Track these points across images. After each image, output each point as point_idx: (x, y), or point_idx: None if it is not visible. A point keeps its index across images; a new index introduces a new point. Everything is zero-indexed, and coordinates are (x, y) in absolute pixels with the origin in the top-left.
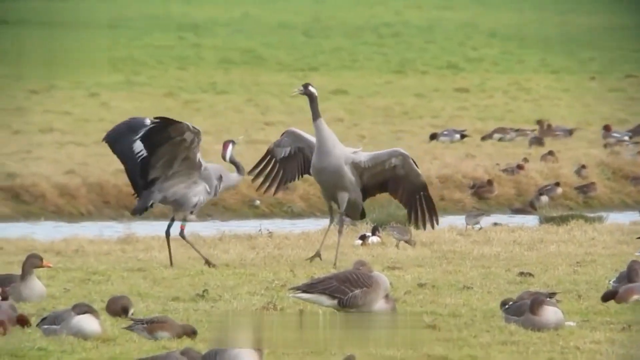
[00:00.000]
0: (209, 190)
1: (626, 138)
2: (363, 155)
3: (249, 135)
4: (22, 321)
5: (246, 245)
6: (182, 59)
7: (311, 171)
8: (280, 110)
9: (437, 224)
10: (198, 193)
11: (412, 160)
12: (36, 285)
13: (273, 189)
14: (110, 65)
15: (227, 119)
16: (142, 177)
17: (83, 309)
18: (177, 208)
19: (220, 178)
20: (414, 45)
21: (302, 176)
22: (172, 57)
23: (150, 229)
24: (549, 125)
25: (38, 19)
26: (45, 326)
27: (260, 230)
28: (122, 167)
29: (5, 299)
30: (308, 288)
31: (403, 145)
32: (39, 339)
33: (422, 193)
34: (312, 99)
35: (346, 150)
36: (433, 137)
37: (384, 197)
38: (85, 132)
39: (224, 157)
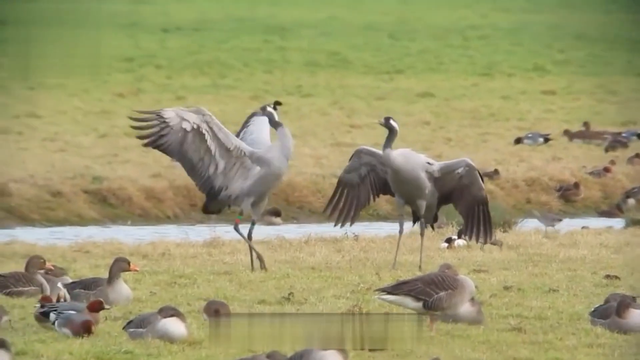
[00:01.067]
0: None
1: None
2: (435, 165)
3: (335, 138)
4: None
5: (332, 248)
6: (268, 62)
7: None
8: (366, 113)
9: (491, 239)
10: (247, 179)
11: (478, 172)
12: (123, 288)
13: (349, 222)
14: (197, 68)
15: (313, 122)
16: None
17: (169, 312)
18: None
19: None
20: (500, 47)
21: (377, 197)
22: (258, 60)
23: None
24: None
25: (119, 21)
26: (132, 329)
27: (346, 233)
28: None
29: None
30: (393, 290)
31: (489, 147)
32: (125, 342)
33: (481, 206)
34: (392, 132)
35: (422, 160)
36: (518, 141)
37: None
38: None
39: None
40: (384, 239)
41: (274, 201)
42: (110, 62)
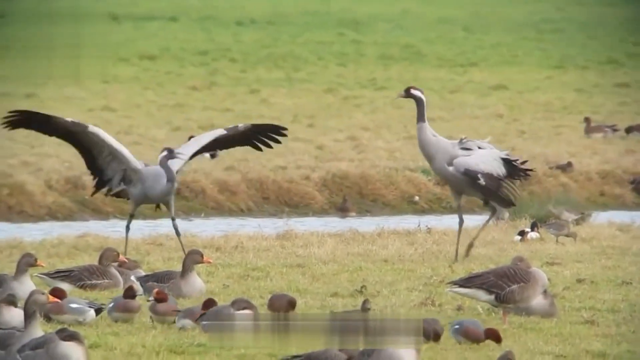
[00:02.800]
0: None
1: None
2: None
3: (408, 132)
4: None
5: (405, 241)
6: (342, 55)
7: None
8: (439, 106)
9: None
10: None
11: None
12: (196, 281)
13: None
14: (271, 62)
15: (387, 115)
16: None
17: (242, 304)
18: None
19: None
20: (574, 40)
21: None
22: (332, 53)
23: (310, 225)
24: None
25: (193, 15)
26: (205, 322)
27: (419, 225)
28: (282, 163)
29: (161, 300)
30: (465, 282)
31: (562, 140)
32: (198, 335)
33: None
34: (419, 103)
35: (451, 151)
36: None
37: (543, 193)
38: None
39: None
40: (457, 232)
41: (347, 193)
42: (184, 56)
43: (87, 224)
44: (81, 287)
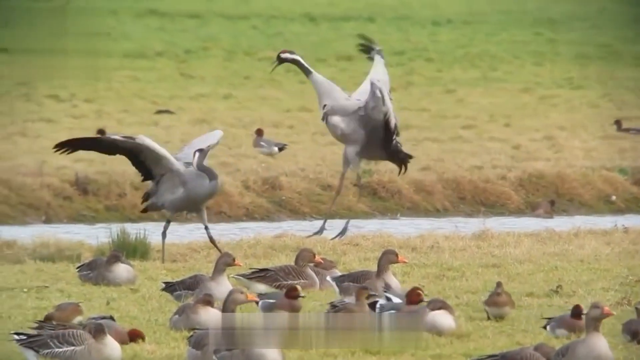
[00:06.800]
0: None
1: None
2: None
3: (605, 131)
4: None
5: (601, 241)
6: (538, 54)
7: None
8: (636, 105)
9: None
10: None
11: None
12: (392, 281)
13: None
14: (467, 61)
15: (583, 114)
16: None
17: (438, 304)
18: None
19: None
20: None
21: None
22: (528, 52)
23: (506, 224)
24: None
25: (389, 15)
26: None
27: (615, 225)
28: (478, 162)
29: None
30: None
31: None
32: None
33: None
34: (295, 63)
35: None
36: None
37: None
38: (442, 129)
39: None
40: None
41: (544, 193)
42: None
43: (283, 224)
44: (277, 287)
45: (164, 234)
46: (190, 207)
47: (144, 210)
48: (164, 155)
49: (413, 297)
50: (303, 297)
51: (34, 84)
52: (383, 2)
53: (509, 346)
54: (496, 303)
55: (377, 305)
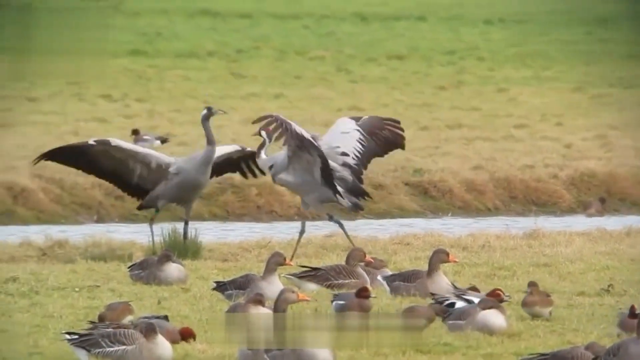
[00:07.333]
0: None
1: None
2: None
3: None
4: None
5: None
6: (590, 54)
7: None
8: None
9: None
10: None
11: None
12: (442, 280)
13: None
14: (519, 61)
15: (634, 113)
16: None
17: (489, 304)
18: None
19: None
20: None
21: None
22: (580, 51)
23: (557, 224)
24: None
25: (441, 14)
26: (451, 321)
27: None
28: (530, 162)
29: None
30: None
31: None
32: (444, 334)
33: None
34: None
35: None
36: None
37: None
38: (494, 128)
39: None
40: None
41: (595, 192)
42: (432, 55)
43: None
44: (328, 286)
45: (150, 223)
46: (184, 195)
47: (140, 207)
48: (141, 152)
49: (493, 297)
50: (374, 297)
51: (86, 84)
52: (435, 1)
53: (560, 345)
54: (526, 303)
55: (455, 306)
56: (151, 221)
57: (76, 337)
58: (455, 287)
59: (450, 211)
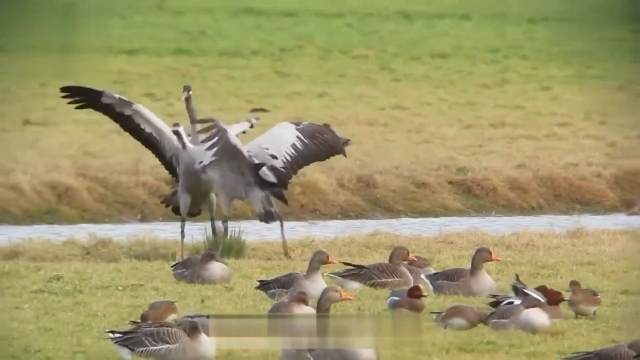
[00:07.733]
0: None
1: None
2: None
3: None
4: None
5: None
6: (634, 52)
7: None
8: None
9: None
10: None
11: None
12: (486, 279)
13: None
14: (562, 59)
15: None
16: None
17: (532, 303)
18: None
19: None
20: None
21: None
22: (624, 49)
23: (601, 222)
24: None
25: (484, 12)
26: (494, 320)
27: None
28: (573, 160)
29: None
30: None
31: None
32: (488, 333)
33: None
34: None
35: None
36: None
37: None
38: (537, 126)
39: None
40: None
41: (638, 191)
42: (475, 53)
43: (378, 222)
44: (371, 285)
45: (182, 234)
46: (195, 192)
47: (164, 202)
48: (159, 127)
49: (553, 296)
50: (425, 296)
51: (129, 83)
52: (479, 0)
53: (604, 344)
54: (571, 302)
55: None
56: (183, 222)
57: (119, 335)
58: (518, 281)
59: (493, 210)
